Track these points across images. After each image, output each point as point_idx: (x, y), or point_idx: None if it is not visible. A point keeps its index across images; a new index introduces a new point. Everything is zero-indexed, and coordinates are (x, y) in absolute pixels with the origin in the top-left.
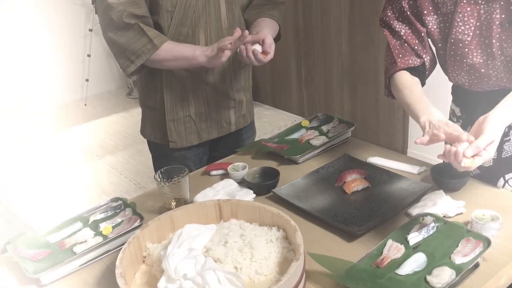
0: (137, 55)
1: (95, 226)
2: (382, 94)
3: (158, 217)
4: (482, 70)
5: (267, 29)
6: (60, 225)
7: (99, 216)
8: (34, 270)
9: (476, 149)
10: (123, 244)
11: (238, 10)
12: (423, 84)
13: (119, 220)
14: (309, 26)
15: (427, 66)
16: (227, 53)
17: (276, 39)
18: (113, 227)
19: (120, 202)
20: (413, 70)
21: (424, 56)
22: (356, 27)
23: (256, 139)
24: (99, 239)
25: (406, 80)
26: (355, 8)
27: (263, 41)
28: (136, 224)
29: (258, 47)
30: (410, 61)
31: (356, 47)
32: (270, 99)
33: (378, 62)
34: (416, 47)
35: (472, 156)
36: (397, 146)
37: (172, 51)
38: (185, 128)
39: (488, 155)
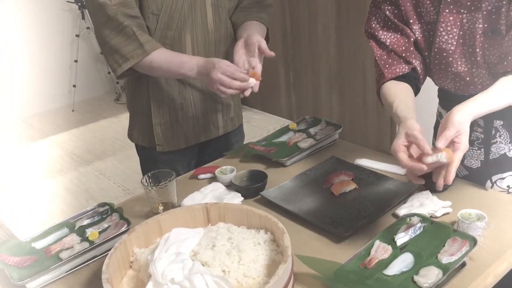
0: (126, 59)
1: (81, 231)
2: (370, 97)
3: (145, 222)
4: (467, 79)
5: (256, 32)
6: (46, 231)
7: (86, 221)
8: (19, 277)
9: (446, 140)
10: (110, 249)
11: (225, 14)
12: (418, 88)
13: (106, 225)
14: (297, 30)
15: (419, 71)
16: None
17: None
18: (100, 233)
19: (106, 207)
20: (403, 78)
21: (413, 61)
22: (343, 31)
23: (245, 143)
24: (86, 244)
25: (388, 91)
26: (342, 12)
27: (258, 46)
28: (123, 229)
29: (252, 81)
30: (397, 70)
31: (343, 50)
32: (259, 103)
33: (365, 66)
34: (404, 54)
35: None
36: (385, 148)
37: (164, 61)
38: (172, 132)
39: (464, 146)
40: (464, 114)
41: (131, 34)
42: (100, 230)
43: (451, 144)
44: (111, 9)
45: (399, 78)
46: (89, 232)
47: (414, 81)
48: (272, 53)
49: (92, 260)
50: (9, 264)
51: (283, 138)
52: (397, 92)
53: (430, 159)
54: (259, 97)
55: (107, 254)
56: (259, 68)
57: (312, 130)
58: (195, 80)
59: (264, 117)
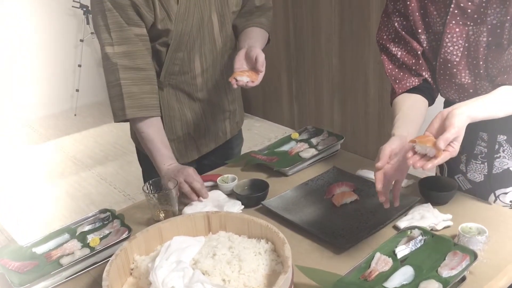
0: (114, 113)
1: (82, 237)
2: (371, 108)
3: (147, 229)
4: (471, 90)
5: (258, 42)
6: (47, 236)
7: (87, 227)
8: (20, 282)
9: (445, 141)
10: (111, 256)
11: (230, 27)
12: (432, 97)
13: (107, 231)
14: (300, 40)
15: (431, 81)
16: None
17: (266, 43)
18: (101, 239)
19: (108, 213)
20: (415, 89)
21: (424, 73)
22: (346, 42)
23: (246, 150)
24: (86, 251)
25: (395, 106)
26: (345, 23)
27: (255, 59)
28: (124, 236)
29: (244, 78)
30: (408, 84)
31: (346, 61)
32: (261, 111)
33: (367, 76)
34: (414, 67)
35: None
36: None
37: (142, 138)
38: (186, 146)
39: (454, 151)
40: (464, 118)
41: (119, 94)
42: (101, 236)
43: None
44: (111, 63)
45: (411, 90)
46: (90, 238)
47: (427, 91)
48: (262, 70)
49: (92, 266)
50: (10, 269)
51: (285, 148)
52: (402, 107)
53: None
54: (261, 105)
55: (108, 260)
56: (261, 57)
57: (314, 140)
58: (203, 92)
59: (266, 125)
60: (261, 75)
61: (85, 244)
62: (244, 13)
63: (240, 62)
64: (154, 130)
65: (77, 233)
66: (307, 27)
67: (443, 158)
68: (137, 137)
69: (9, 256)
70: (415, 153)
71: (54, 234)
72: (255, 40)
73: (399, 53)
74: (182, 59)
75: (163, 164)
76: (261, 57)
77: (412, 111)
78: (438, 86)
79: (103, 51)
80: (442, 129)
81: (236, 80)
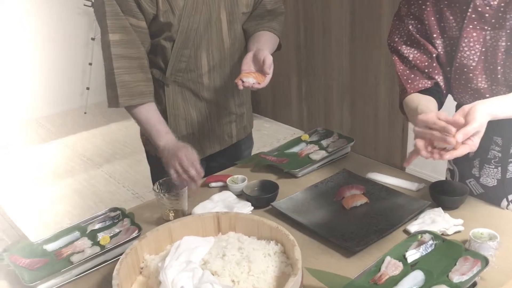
0: (108, 99)
1: (92, 236)
2: (381, 110)
3: (157, 228)
4: (487, 95)
5: (267, 46)
6: (57, 234)
7: (97, 225)
8: (30, 279)
9: (465, 135)
10: (121, 254)
11: (240, 28)
12: (441, 102)
13: (117, 230)
14: (310, 42)
15: (442, 86)
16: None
17: (277, 48)
18: (111, 237)
19: (118, 212)
20: (426, 91)
21: (436, 76)
22: (356, 44)
23: (255, 151)
24: (97, 249)
25: (411, 101)
26: (356, 25)
27: (263, 61)
28: (134, 234)
29: (250, 80)
30: (420, 85)
31: (356, 63)
32: (270, 112)
33: (378, 79)
34: (426, 70)
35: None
36: (396, 162)
37: (140, 121)
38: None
39: (474, 146)
40: (485, 113)
41: (113, 82)
42: (111, 235)
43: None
44: (106, 51)
45: (422, 91)
46: (100, 236)
47: (438, 95)
48: (269, 73)
49: (102, 264)
50: (21, 266)
51: (295, 149)
52: (421, 100)
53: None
54: (271, 106)
55: (118, 259)
56: (268, 60)
57: (324, 142)
58: (210, 93)
59: (275, 126)
60: (268, 77)
61: (95, 242)
62: (255, 16)
63: (247, 65)
64: (148, 113)
65: (87, 231)
66: (318, 28)
67: (461, 151)
68: (152, 148)
69: (20, 253)
70: (433, 147)
71: (65, 231)
72: (264, 43)
73: (411, 55)
74: (189, 56)
75: (159, 141)
76: (269, 60)
77: (431, 104)
78: (453, 90)
79: (101, 39)
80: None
81: (242, 82)
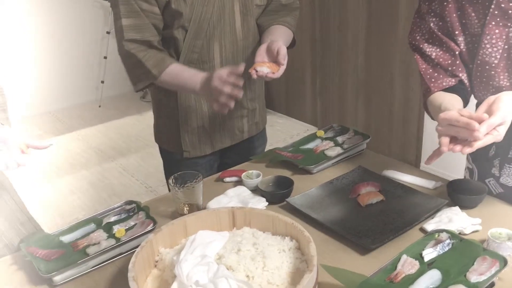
0: (139, 80)
1: (108, 228)
2: (397, 107)
3: (172, 222)
4: None
5: (281, 38)
6: (73, 226)
7: (113, 218)
8: (47, 269)
9: (490, 127)
10: (136, 247)
11: (253, 21)
12: (466, 99)
13: (132, 223)
14: (326, 37)
15: (467, 83)
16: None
17: (291, 46)
18: (126, 230)
19: (133, 205)
20: (451, 89)
21: (460, 74)
22: (373, 40)
23: (268, 147)
24: (112, 241)
25: (435, 99)
26: (373, 21)
27: (277, 52)
28: (149, 228)
29: (264, 69)
30: (444, 83)
31: (372, 59)
32: (284, 108)
33: (393, 76)
34: (450, 68)
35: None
36: (410, 160)
37: (173, 80)
38: (199, 138)
39: (499, 136)
40: (510, 104)
41: (137, 61)
42: (127, 227)
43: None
44: (120, 36)
45: (446, 90)
46: (115, 229)
47: (462, 92)
48: (283, 63)
49: (118, 257)
50: (37, 257)
51: (310, 145)
52: (445, 98)
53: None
54: (284, 101)
55: (133, 251)
56: (282, 50)
57: (339, 139)
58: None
59: (288, 121)
60: (282, 68)
61: (111, 235)
62: (269, 11)
63: (261, 56)
64: (176, 67)
65: (103, 224)
66: (334, 23)
67: (485, 141)
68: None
69: (37, 244)
70: (454, 140)
71: (81, 223)
72: (278, 36)
73: (434, 53)
74: (201, 47)
75: (196, 87)
76: (283, 50)
77: (457, 101)
78: (474, 88)
79: (115, 26)
80: (488, 114)
81: (256, 71)
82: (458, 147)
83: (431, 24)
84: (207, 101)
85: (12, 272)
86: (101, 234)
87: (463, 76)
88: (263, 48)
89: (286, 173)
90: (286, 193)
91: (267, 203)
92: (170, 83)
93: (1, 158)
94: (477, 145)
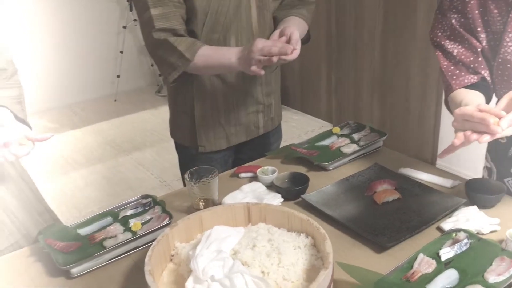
0: (173, 68)
1: (124, 222)
2: (413, 104)
3: (187, 217)
4: None
5: (294, 25)
6: (90, 219)
7: (129, 212)
8: (64, 261)
9: (510, 122)
10: (152, 241)
11: (269, 15)
12: (489, 97)
13: (148, 217)
14: (342, 33)
15: (489, 80)
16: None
17: (305, 41)
18: (142, 224)
19: (149, 199)
20: (473, 86)
21: (482, 71)
22: (389, 36)
23: (283, 143)
24: (128, 235)
25: (456, 97)
26: (389, 17)
27: (289, 37)
28: (165, 222)
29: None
30: (466, 80)
31: (388, 56)
32: (299, 104)
33: (410, 72)
34: (472, 65)
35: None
36: (426, 158)
37: (207, 60)
38: (215, 133)
39: None
40: None
41: (170, 46)
42: (143, 221)
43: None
44: (150, 25)
45: (467, 87)
46: (132, 222)
47: (485, 89)
48: (296, 48)
49: (134, 250)
50: (55, 249)
51: (326, 142)
52: (466, 95)
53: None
54: (299, 97)
55: (149, 245)
56: (295, 35)
57: (355, 136)
58: (238, 81)
59: (303, 118)
60: (296, 52)
61: (127, 228)
62: (285, 5)
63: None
64: (208, 50)
65: (119, 217)
66: (350, 19)
67: (508, 132)
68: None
69: (55, 236)
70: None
71: (97, 217)
72: (292, 24)
73: (455, 50)
74: (218, 40)
75: (231, 59)
76: (295, 35)
77: (478, 99)
78: (495, 86)
79: (142, 18)
80: (509, 109)
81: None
82: (474, 136)
83: (453, 21)
84: (243, 68)
85: (30, 264)
86: (117, 228)
87: (485, 73)
88: (276, 34)
89: (302, 169)
90: (301, 189)
91: (282, 200)
92: (203, 65)
93: None
94: (497, 136)
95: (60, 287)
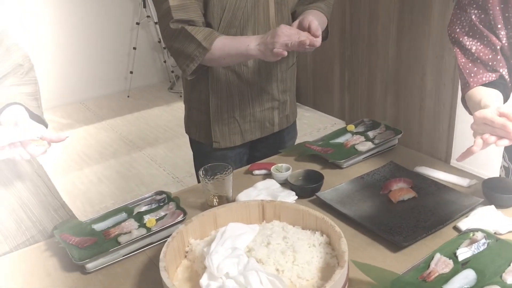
0: (191, 59)
1: (139, 217)
2: (427, 102)
3: (202, 213)
4: None
5: (313, 16)
6: (105, 214)
7: (143, 208)
8: (80, 257)
9: None
10: (166, 237)
11: (287, 11)
12: (507, 95)
13: (163, 213)
14: (356, 30)
15: (508, 78)
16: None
17: (324, 37)
18: (157, 220)
19: (164, 195)
20: (491, 84)
21: (500, 69)
22: (404, 33)
23: (297, 140)
24: (143, 231)
25: (475, 95)
26: (404, 13)
27: (309, 26)
28: (180, 218)
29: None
30: (484, 78)
31: (402, 52)
32: (311, 101)
33: (425, 69)
34: (490, 62)
35: None
36: (440, 156)
37: (224, 49)
38: (229, 129)
39: None
40: None
41: (188, 35)
42: (157, 217)
43: None
44: (168, 17)
45: (485, 85)
46: (146, 218)
47: (503, 87)
48: (318, 35)
49: (148, 246)
50: (71, 244)
51: (341, 140)
52: (484, 93)
53: None
54: (312, 94)
55: (163, 241)
56: (314, 23)
57: (370, 134)
58: (254, 77)
59: (316, 115)
60: (318, 40)
61: (142, 224)
62: (303, 1)
63: None
64: (225, 39)
65: (134, 213)
66: (364, 15)
67: None
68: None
69: (70, 231)
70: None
71: (112, 212)
72: (311, 16)
73: (474, 47)
74: (235, 35)
75: (249, 46)
76: (314, 23)
77: (496, 98)
78: None
79: (160, 11)
80: None
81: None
82: (493, 139)
83: (473, 16)
84: (262, 54)
85: (45, 258)
86: (132, 224)
87: (504, 71)
88: (295, 25)
89: (316, 167)
90: (316, 187)
91: (296, 197)
92: (219, 54)
93: (15, 150)
94: None
95: (75, 281)
